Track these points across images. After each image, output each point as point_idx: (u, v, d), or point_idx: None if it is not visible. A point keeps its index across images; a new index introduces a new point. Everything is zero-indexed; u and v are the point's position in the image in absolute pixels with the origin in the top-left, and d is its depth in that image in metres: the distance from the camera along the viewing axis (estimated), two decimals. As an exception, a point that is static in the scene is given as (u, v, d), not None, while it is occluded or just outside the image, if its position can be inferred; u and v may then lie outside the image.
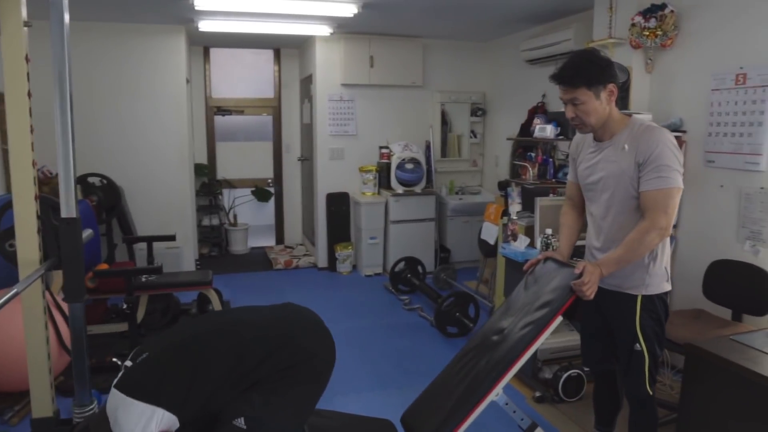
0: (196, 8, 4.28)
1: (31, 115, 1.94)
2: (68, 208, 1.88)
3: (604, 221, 2.16)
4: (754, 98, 2.91)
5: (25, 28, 1.90)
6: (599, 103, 2.02)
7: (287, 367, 1.73)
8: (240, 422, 1.60)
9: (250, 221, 6.84)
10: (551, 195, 3.46)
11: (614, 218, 2.12)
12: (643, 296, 2.09)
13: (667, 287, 2.14)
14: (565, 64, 2.05)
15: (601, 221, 2.18)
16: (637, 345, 2.11)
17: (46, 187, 4.50)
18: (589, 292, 1.94)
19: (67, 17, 1.80)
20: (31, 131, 1.94)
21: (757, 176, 2.92)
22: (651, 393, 2.16)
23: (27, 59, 1.91)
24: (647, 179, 1.98)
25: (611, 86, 2.02)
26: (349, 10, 4.37)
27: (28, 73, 1.92)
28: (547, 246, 3.03)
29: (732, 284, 2.86)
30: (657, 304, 2.12)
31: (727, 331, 2.53)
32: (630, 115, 2.18)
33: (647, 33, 3.40)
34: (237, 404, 1.66)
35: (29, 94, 1.93)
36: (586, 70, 2.00)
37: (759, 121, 2.89)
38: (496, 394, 1.97)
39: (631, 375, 2.17)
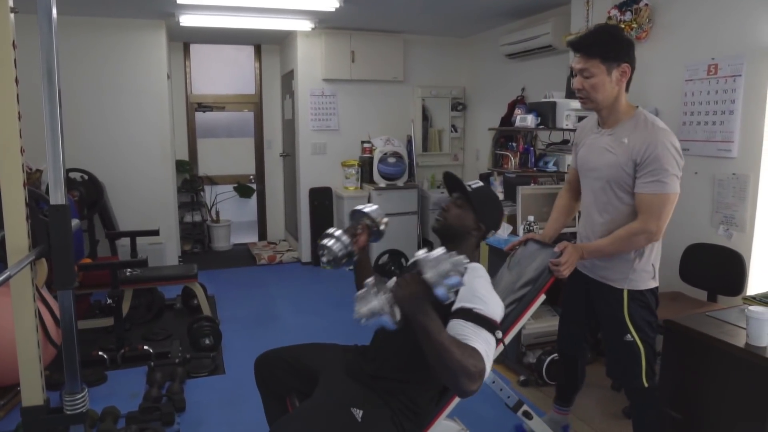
0: (178, 1, 4.26)
1: (18, 102, 1.93)
2: (57, 195, 1.88)
3: (595, 209, 2.16)
4: (725, 88, 3.01)
5: (12, 15, 1.89)
6: (609, 81, 1.96)
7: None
8: (358, 414, 1.70)
9: (233, 217, 6.83)
10: (532, 184, 3.53)
11: (604, 207, 2.11)
12: (629, 290, 2.08)
13: (653, 284, 2.10)
14: (587, 32, 2.02)
15: (591, 208, 2.18)
16: (628, 336, 2.07)
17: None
18: (566, 272, 1.95)
19: (54, 11, 1.81)
20: (19, 118, 1.94)
21: (729, 163, 3.02)
22: (647, 386, 2.09)
23: (14, 45, 1.91)
24: (644, 181, 1.93)
25: (625, 66, 1.96)
26: (331, 4, 4.39)
27: (15, 60, 1.91)
28: (528, 232, 3.11)
29: (707, 267, 2.97)
30: (646, 294, 2.09)
31: (703, 310, 2.62)
32: (636, 106, 2.09)
33: (623, 26, 3.49)
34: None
35: (17, 81, 1.93)
36: (605, 42, 1.96)
37: (730, 110, 2.99)
38: (485, 371, 2.02)
39: (622, 367, 2.13)
